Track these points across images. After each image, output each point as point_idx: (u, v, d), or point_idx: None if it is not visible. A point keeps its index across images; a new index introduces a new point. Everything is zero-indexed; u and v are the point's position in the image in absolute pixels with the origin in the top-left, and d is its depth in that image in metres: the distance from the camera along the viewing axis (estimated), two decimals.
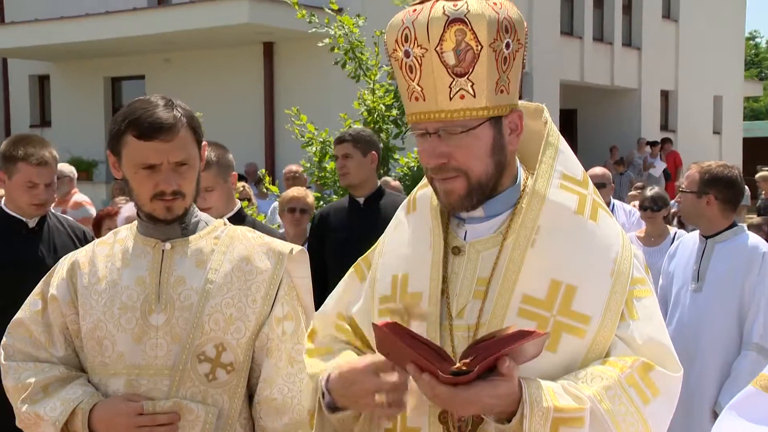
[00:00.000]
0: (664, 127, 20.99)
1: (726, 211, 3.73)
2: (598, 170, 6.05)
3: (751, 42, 43.14)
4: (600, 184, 5.80)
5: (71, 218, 3.59)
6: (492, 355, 1.40)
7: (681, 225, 6.72)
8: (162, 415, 1.90)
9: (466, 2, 1.51)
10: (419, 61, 1.53)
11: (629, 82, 19.88)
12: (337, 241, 4.10)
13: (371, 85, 6.17)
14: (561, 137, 1.67)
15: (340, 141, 4.22)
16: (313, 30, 5.80)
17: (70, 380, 2.00)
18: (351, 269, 1.84)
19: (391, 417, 1.56)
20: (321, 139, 6.12)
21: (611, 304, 1.57)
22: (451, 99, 1.52)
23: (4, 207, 3.32)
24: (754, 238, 3.77)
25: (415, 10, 1.55)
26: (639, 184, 11.71)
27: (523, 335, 1.42)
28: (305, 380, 1.77)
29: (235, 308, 1.96)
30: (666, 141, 18.17)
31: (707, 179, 3.70)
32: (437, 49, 1.51)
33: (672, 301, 3.82)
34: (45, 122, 17.72)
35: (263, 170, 6.96)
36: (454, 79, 1.51)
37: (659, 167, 16.75)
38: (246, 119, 14.46)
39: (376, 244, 1.83)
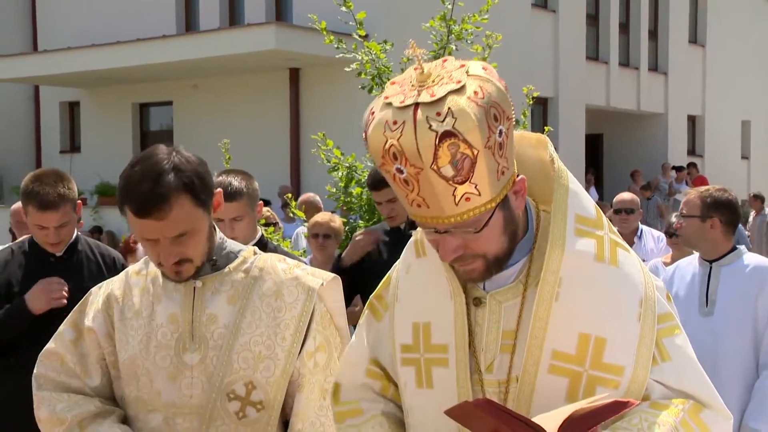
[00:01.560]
0: (692, 152, 20.88)
1: (728, 234, 3.73)
2: (627, 196, 6.00)
3: None
4: (629, 210, 5.77)
5: (102, 244, 3.57)
6: (589, 428, 1.39)
7: None
8: None
9: (449, 108, 1.40)
10: (416, 178, 1.44)
11: (656, 107, 19.81)
12: (374, 263, 4.09)
13: None
14: (570, 175, 1.63)
15: (378, 187, 4.05)
16: (341, 55, 5.85)
17: (106, 415, 1.98)
18: (366, 310, 1.82)
19: None
20: (347, 164, 6.14)
21: (642, 349, 1.55)
22: (457, 204, 1.45)
23: (33, 236, 3.31)
24: (757, 258, 3.77)
25: (396, 122, 1.42)
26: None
27: (620, 406, 1.41)
28: None
29: (264, 346, 1.94)
30: (691, 165, 18.09)
31: (710, 203, 3.70)
32: (433, 166, 1.41)
33: None
34: (75, 148, 17.93)
35: (289, 194, 7.00)
36: (456, 187, 1.44)
37: (684, 192, 16.63)
38: (272, 144, 14.57)
39: (385, 280, 1.80)
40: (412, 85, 1.46)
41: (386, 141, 1.44)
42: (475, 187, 1.45)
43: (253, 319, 1.94)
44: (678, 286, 3.84)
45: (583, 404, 1.43)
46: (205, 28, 15.12)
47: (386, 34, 6.71)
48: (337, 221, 5.11)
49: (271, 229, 5.83)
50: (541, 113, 16.66)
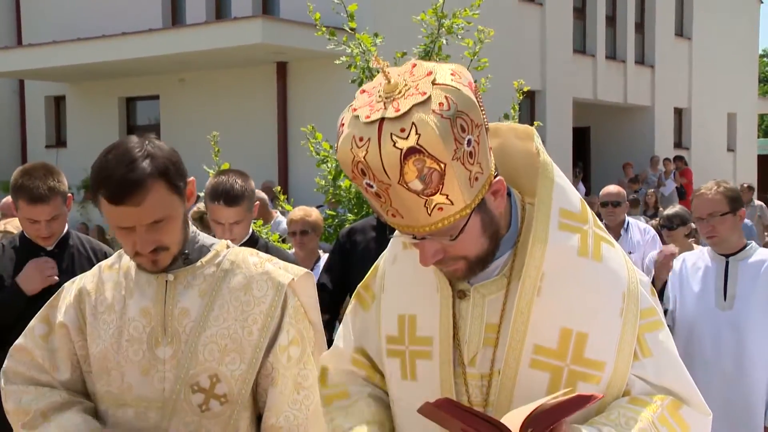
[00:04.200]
0: (678, 144, 20.98)
1: (739, 225, 3.79)
2: (613, 188, 6.05)
3: (765, 59, 43.13)
4: (615, 203, 5.83)
5: (94, 240, 3.56)
6: (553, 423, 1.38)
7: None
8: None
9: (413, 123, 1.38)
10: (386, 192, 1.43)
11: (642, 100, 19.90)
12: (364, 259, 4.08)
13: None
14: (555, 167, 1.61)
15: None
16: (331, 47, 5.83)
17: (70, 406, 1.97)
18: (353, 300, 1.82)
19: None
20: (336, 157, 6.13)
21: (623, 345, 1.55)
22: (430, 215, 1.44)
23: (24, 230, 3.31)
24: None
25: (362, 138, 1.41)
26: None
27: (584, 401, 1.41)
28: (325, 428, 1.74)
29: (231, 339, 1.92)
30: (678, 159, 18.19)
31: (733, 196, 3.75)
32: (400, 182, 1.40)
33: (691, 323, 3.82)
34: (60, 142, 17.88)
35: (278, 187, 6.98)
36: (426, 199, 1.42)
37: (669, 186, 16.81)
38: (260, 138, 14.56)
39: (373, 269, 1.80)
40: (379, 97, 1.44)
41: (353, 157, 1.42)
42: (447, 197, 1.43)
43: (221, 312, 1.93)
44: (690, 280, 3.86)
45: (546, 400, 1.42)
46: (192, 22, 15.06)
47: (377, 27, 6.70)
48: (314, 215, 5.08)
49: (260, 222, 5.82)
50: (529, 106, 16.71)
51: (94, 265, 3.26)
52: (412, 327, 1.64)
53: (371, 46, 5.63)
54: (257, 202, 3.48)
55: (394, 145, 1.38)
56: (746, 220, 9.18)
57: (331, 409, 1.75)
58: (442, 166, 1.39)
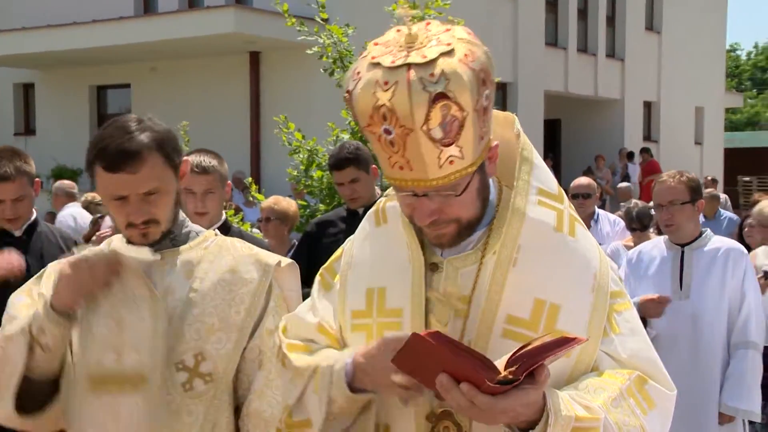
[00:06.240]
0: (647, 137, 21.23)
1: (697, 216, 3.84)
2: (583, 180, 6.08)
3: (732, 54, 43.72)
4: (586, 194, 5.86)
5: (63, 228, 3.55)
6: (537, 362, 1.39)
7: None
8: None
9: (442, 70, 1.41)
10: (403, 139, 1.44)
11: (612, 93, 20.12)
12: (331, 250, 4.10)
13: None
14: (534, 150, 1.65)
15: (340, 167, 4.02)
16: (302, 38, 5.86)
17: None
18: (316, 280, 1.82)
19: (411, 400, 1.52)
20: (308, 148, 6.17)
21: (594, 320, 1.58)
22: (441, 167, 1.46)
23: None
24: (725, 241, 3.85)
25: (387, 82, 1.42)
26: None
27: (567, 342, 1.42)
28: (286, 374, 1.72)
29: (218, 318, 1.93)
30: (645, 151, 18.34)
31: (694, 187, 3.76)
32: (423, 128, 1.42)
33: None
34: (29, 130, 17.69)
35: (249, 178, 6.99)
36: (442, 149, 1.44)
37: (633, 177, 17.14)
38: (232, 127, 14.52)
39: (338, 252, 1.81)
40: (401, 46, 1.46)
41: (377, 101, 1.43)
42: (460, 150, 1.46)
43: (208, 292, 1.95)
44: (647, 270, 3.88)
45: (530, 341, 1.44)
46: (164, 11, 14.98)
47: (348, 17, 6.72)
48: (283, 203, 5.07)
49: (231, 212, 5.84)
50: (501, 98, 16.81)
51: (62, 252, 3.27)
52: (381, 299, 1.65)
53: (342, 37, 5.67)
54: (229, 183, 3.48)
55: (424, 89, 1.40)
56: (734, 216, 9.19)
57: (296, 357, 1.71)
58: (465, 114, 1.43)
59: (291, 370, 1.68)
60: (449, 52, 1.43)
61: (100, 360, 1.92)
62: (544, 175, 1.64)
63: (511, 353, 1.40)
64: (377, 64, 1.45)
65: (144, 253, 1.89)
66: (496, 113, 1.66)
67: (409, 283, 1.62)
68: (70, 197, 7.38)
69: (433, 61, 1.42)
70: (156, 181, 1.88)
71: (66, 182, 7.78)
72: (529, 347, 1.40)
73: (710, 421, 3.66)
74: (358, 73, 1.47)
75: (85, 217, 6.70)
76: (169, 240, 1.99)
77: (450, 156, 1.46)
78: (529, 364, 1.38)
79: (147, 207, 1.88)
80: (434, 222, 1.54)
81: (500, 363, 1.40)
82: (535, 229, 1.58)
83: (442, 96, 1.40)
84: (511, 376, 1.38)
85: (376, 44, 1.50)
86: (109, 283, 1.87)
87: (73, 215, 6.94)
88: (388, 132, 1.44)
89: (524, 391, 1.40)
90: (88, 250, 1.95)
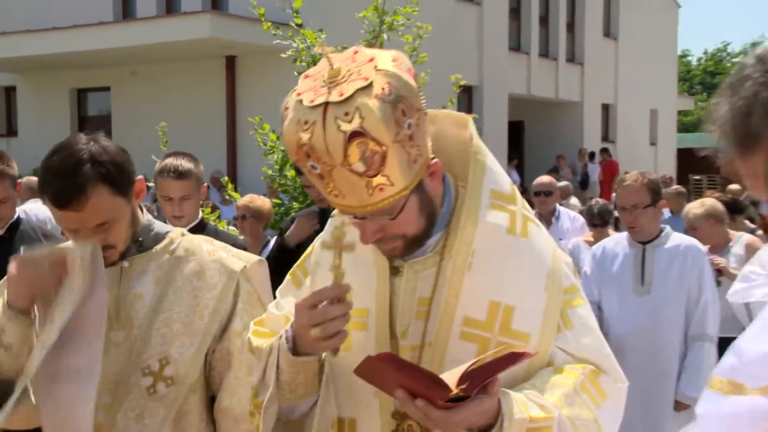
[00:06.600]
0: (605, 138, 21.68)
1: (659, 216, 3.97)
2: (545, 179, 6.28)
3: (683, 60, 44.88)
4: (547, 192, 6.12)
5: (48, 227, 3.58)
6: (487, 378, 1.42)
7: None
8: None
9: (357, 107, 1.41)
10: (329, 173, 1.46)
11: (572, 96, 20.60)
12: (305, 247, 4.27)
13: None
14: (488, 152, 1.67)
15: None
16: (277, 42, 5.96)
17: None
18: (288, 277, 1.84)
19: (331, 349, 1.55)
20: (282, 148, 6.09)
21: (548, 318, 1.60)
22: (371, 195, 1.48)
23: None
24: (685, 238, 3.99)
25: (307, 121, 1.43)
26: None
27: (516, 357, 1.45)
28: (252, 358, 1.74)
29: (182, 323, 1.94)
30: (604, 151, 18.79)
31: (655, 188, 3.86)
32: (343, 164, 1.43)
33: (611, 307, 3.95)
34: (11, 132, 17.79)
35: (226, 177, 6.94)
36: (368, 180, 1.45)
37: (593, 175, 17.62)
38: (210, 129, 14.67)
39: (309, 250, 1.83)
40: (323, 82, 1.46)
41: (299, 139, 1.44)
42: (387, 178, 1.46)
43: (174, 298, 1.96)
44: (610, 266, 3.97)
45: (481, 357, 1.46)
46: (142, 16, 15.15)
47: (321, 23, 6.92)
48: (257, 202, 5.05)
49: (207, 210, 5.91)
50: (467, 101, 17.21)
51: None
52: (348, 299, 1.63)
53: (315, 41, 5.93)
54: (205, 184, 3.54)
55: (339, 129, 1.40)
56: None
57: (257, 339, 1.75)
58: (384, 148, 1.42)
59: (254, 353, 1.72)
60: (366, 87, 1.42)
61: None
62: (497, 176, 1.65)
63: (463, 369, 1.42)
64: (300, 102, 1.47)
65: (86, 247, 1.84)
66: (453, 115, 1.70)
67: (375, 284, 1.65)
68: (34, 193, 7.34)
69: (349, 99, 1.42)
70: (105, 214, 1.83)
71: (33, 178, 7.67)
72: (481, 363, 1.43)
73: (667, 408, 3.80)
74: (287, 108, 1.49)
75: (41, 215, 6.65)
76: (135, 247, 1.98)
77: (378, 184, 1.47)
78: (480, 380, 1.42)
79: (100, 236, 1.86)
80: (380, 240, 1.57)
81: (455, 374, 1.43)
82: (488, 233, 1.60)
83: (357, 134, 1.40)
84: (462, 393, 1.41)
85: (306, 76, 1.52)
86: (59, 280, 1.83)
87: (28, 210, 6.77)
88: (314, 167, 1.47)
89: (478, 401, 1.43)
90: (36, 249, 1.95)
